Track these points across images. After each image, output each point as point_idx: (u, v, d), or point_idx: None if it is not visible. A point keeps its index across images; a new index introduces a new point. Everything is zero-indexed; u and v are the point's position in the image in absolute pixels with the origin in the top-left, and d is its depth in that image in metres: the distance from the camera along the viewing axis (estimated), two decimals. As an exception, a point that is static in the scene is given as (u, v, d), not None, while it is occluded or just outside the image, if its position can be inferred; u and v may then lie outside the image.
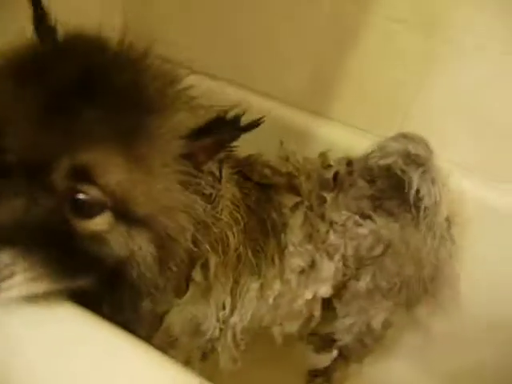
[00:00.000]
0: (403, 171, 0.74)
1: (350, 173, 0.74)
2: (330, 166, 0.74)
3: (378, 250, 0.73)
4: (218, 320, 0.60)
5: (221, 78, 1.05)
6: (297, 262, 0.67)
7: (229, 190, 0.59)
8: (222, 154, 0.50)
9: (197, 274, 0.56)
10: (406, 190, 0.73)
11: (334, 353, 0.95)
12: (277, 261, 0.65)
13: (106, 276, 0.45)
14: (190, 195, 0.46)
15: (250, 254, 0.61)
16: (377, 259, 0.74)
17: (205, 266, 0.56)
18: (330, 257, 0.71)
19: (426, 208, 0.73)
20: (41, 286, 0.40)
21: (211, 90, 0.96)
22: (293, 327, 0.76)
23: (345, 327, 0.81)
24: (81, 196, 0.41)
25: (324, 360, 1.00)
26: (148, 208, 0.43)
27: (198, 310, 0.58)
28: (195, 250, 0.52)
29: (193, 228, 0.47)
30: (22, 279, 0.38)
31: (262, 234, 0.63)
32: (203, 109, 0.48)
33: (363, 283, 0.75)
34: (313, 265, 0.70)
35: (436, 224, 0.75)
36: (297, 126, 0.99)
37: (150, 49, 0.47)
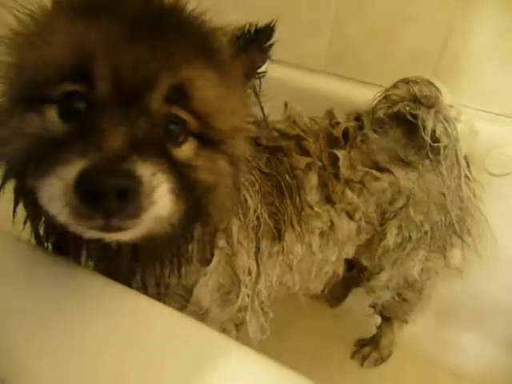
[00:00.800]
0: (414, 115, 0.72)
1: (360, 127, 0.74)
2: (338, 123, 0.74)
3: (400, 202, 0.73)
4: (245, 286, 0.60)
5: None
6: (315, 223, 0.67)
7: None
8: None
9: (220, 239, 0.56)
10: (420, 135, 0.72)
11: (377, 319, 0.97)
12: (295, 224, 0.65)
13: (192, 207, 0.44)
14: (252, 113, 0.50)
15: (267, 218, 0.61)
16: (400, 211, 0.74)
17: (226, 231, 0.57)
18: (350, 216, 0.71)
19: (445, 147, 0.72)
20: (173, 204, 0.40)
21: None
22: (318, 288, 0.77)
23: (382, 283, 0.82)
24: (172, 122, 0.42)
25: (369, 329, 1.02)
26: (228, 126, 0.45)
27: (225, 278, 0.59)
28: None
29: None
30: (167, 192, 0.38)
31: (278, 197, 0.63)
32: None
33: (390, 238, 0.75)
34: (332, 226, 0.70)
35: (456, 163, 0.73)
36: (319, 89, 0.99)
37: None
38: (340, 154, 0.69)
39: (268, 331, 0.66)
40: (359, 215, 0.71)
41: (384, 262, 0.79)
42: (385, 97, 0.76)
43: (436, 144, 0.72)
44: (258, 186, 0.60)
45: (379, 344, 1.00)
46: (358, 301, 1.01)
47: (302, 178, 0.66)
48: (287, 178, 0.65)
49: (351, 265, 0.96)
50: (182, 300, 0.57)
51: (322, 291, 0.82)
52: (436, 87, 0.73)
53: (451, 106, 0.73)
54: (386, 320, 0.95)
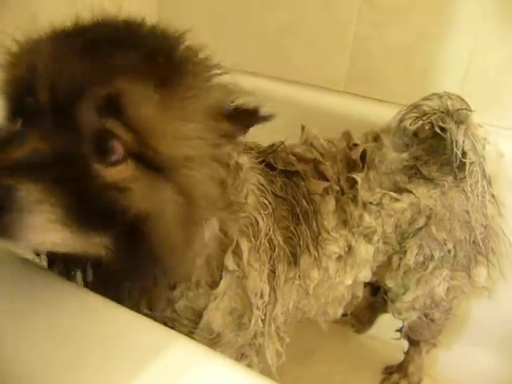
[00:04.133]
0: (443, 129, 0.75)
1: (379, 147, 0.76)
2: (355, 145, 0.76)
3: (421, 222, 0.75)
4: (258, 309, 0.60)
5: (258, 74, 1.11)
6: (332, 248, 0.69)
7: (253, 176, 0.61)
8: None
9: (229, 261, 0.56)
10: (446, 150, 0.74)
11: (405, 344, 0.97)
12: (311, 248, 0.66)
13: (125, 234, 0.42)
14: (219, 155, 0.46)
15: (281, 241, 0.62)
16: (420, 230, 0.75)
17: (236, 253, 0.57)
18: (368, 239, 0.73)
19: (471, 164, 0.74)
20: (59, 235, 0.38)
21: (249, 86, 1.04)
22: (337, 313, 0.78)
23: (408, 304, 0.82)
24: (106, 138, 0.40)
25: (397, 355, 1.02)
26: (175, 153, 0.42)
27: (237, 301, 0.59)
28: (223, 233, 0.54)
29: (218, 194, 0.47)
30: (41, 220, 0.37)
31: (293, 222, 0.65)
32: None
33: (411, 256, 0.76)
34: (350, 250, 0.71)
35: (481, 180, 0.76)
36: (338, 111, 1.01)
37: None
38: (358, 177, 0.71)
39: (283, 356, 0.66)
40: (377, 237, 0.73)
41: (407, 281, 0.80)
42: (415, 106, 0.79)
43: (463, 160, 0.74)
44: (271, 209, 0.61)
45: (408, 370, 0.99)
46: (384, 326, 1.02)
47: (319, 202, 0.68)
48: (304, 202, 0.66)
49: (376, 289, 0.99)
50: (191, 324, 0.57)
51: (345, 315, 0.84)
52: (467, 104, 0.76)
53: (480, 126, 0.76)
54: (414, 344, 0.96)
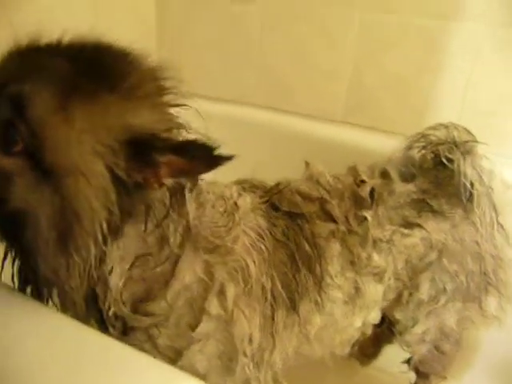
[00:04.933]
0: (450, 160, 0.75)
1: (387, 183, 0.75)
2: (363, 181, 0.74)
3: (433, 256, 0.74)
4: (245, 355, 0.59)
5: (257, 105, 1.13)
6: (335, 294, 0.68)
7: (252, 219, 0.62)
8: (183, 180, 0.50)
9: (211, 305, 0.56)
10: (452, 181, 0.74)
11: (412, 376, 0.95)
12: (313, 294, 0.65)
13: (6, 223, 0.47)
14: (107, 181, 0.46)
15: (280, 287, 0.61)
16: (432, 264, 0.74)
17: (222, 295, 0.56)
18: (378, 279, 0.71)
19: (479, 195, 0.74)
20: None
21: (246, 117, 1.07)
22: (345, 352, 0.77)
23: (417, 337, 0.81)
24: (10, 129, 0.44)
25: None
26: (62, 161, 0.44)
27: (225, 345, 0.59)
28: (209, 277, 0.54)
29: (104, 217, 0.46)
30: None
31: (292, 268, 0.64)
32: (175, 125, 0.50)
33: (424, 290, 0.75)
34: (357, 292, 0.70)
35: (489, 211, 0.76)
36: (336, 140, 1.03)
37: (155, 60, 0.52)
38: (368, 214, 0.70)
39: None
40: (388, 276, 0.72)
41: (418, 314, 0.79)
42: (422, 136, 0.79)
43: (471, 191, 0.74)
44: (266, 254, 0.60)
45: None
46: (390, 357, 1.01)
47: (324, 246, 0.67)
48: (306, 246, 0.65)
49: (381, 319, 0.98)
50: (172, 363, 0.56)
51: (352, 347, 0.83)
52: (473, 136, 0.77)
53: (486, 157, 0.77)
54: (423, 377, 0.94)
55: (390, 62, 1.01)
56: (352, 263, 0.69)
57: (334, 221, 0.69)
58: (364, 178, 0.75)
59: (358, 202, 0.72)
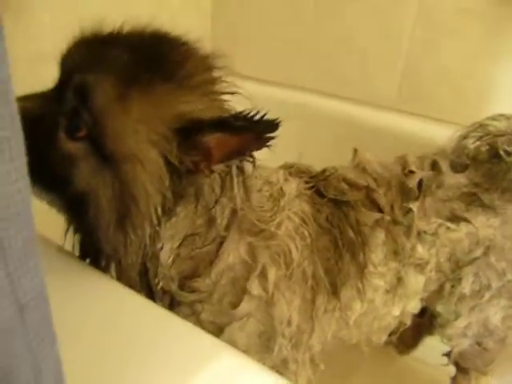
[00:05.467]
0: (508, 153, 0.73)
1: (437, 175, 0.74)
2: (411, 172, 0.73)
3: (479, 252, 0.72)
4: (283, 336, 0.61)
5: (309, 89, 1.12)
6: (378, 282, 0.68)
7: (297, 205, 0.63)
8: (240, 162, 0.52)
9: (253, 286, 0.58)
10: (507, 175, 0.72)
11: (452, 369, 0.93)
12: (355, 281, 0.66)
13: (70, 203, 0.50)
14: (162, 167, 0.48)
15: (322, 273, 0.62)
16: (477, 259, 0.73)
17: (263, 277, 0.58)
18: (420, 269, 0.71)
19: None
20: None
21: (298, 101, 1.07)
22: (381, 340, 0.77)
23: (459, 331, 0.81)
24: (75, 116, 0.48)
25: (442, 380, 1.00)
26: (120, 148, 0.47)
27: (265, 325, 0.60)
28: (252, 259, 0.56)
29: (158, 200, 0.49)
30: None
31: (336, 254, 0.64)
32: (225, 112, 0.52)
33: (466, 285, 0.74)
34: (399, 281, 0.70)
35: None
36: (388, 128, 1.01)
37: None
38: (414, 206, 0.69)
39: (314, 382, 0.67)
40: (430, 267, 0.71)
41: (461, 308, 0.78)
42: (480, 125, 0.77)
43: None
44: (309, 240, 0.61)
45: None
46: (430, 348, 1.00)
47: (369, 234, 0.67)
48: (351, 233, 0.66)
49: (422, 310, 0.97)
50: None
51: (390, 336, 0.83)
52: None
53: None
54: (463, 372, 0.92)
55: (448, 48, 0.98)
56: (395, 253, 0.69)
57: (380, 210, 0.69)
58: (413, 168, 0.73)
59: (405, 193, 0.71)
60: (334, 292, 0.65)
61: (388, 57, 1.05)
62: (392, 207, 0.70)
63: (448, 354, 0.90)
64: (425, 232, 0.70)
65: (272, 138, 0.47)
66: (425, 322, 0.99)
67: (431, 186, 0.72)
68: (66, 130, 0.49)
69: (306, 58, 1.15)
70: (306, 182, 0.68)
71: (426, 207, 0.71)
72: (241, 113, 0.48)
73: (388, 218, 0.69)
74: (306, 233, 0.62)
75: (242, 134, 0.47)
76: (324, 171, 0.71)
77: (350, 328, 0.70)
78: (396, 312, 0.73)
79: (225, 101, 0.54)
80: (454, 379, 0.96)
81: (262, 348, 0.62)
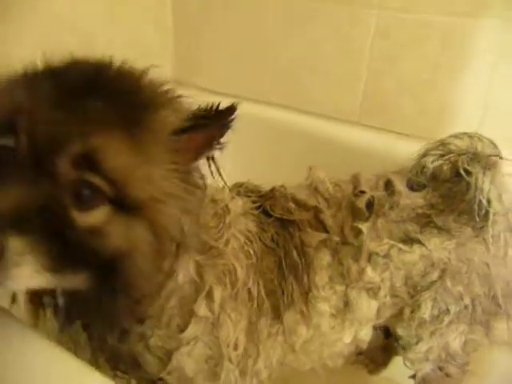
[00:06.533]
0: (468, 172, 0.71)
1: (390, 194, 0.72)
2: (362, 192, 0.71)
3: (435, 275, 0.70)
4: (230, 361, 0.59)
5: (274, 104, 1.12)
6: (322, 306, 0.66)
7: (242, 223, 0.62)
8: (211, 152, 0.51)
9: (200, 307, 0.57)
10: (466, 196, 0.70)
11: None
12: (299, 304, 0.64)
13: (101, 270, 0.46)
14: (187, 186, 0.48)
15: (263, 294, 0.61)
16: (434, 283, 0.71)
17: (209, 298, 0.57)
18: (373, 294, 0.68)
19: (495, 213, 0.69)
20: (42, 280, 0.42)
21: (262, 115, 1.06)
22: (337, 364, 0.75)
23: (420, 355, 0.78)
24: (83, 187, 0.43)
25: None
26: (145, 194, 0.45)
27: (212, 349, 0.59)
28: (199, 278, 0.55)
29: (189, 225, 0.49)
30: (29, 270, 0.40)
31: (279, 275, 0.63)
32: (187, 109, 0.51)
33: (426, 310, 0.72)
34: (347, 306, 0.68)
35: (505, 232, 0.71)
36: (352, 142, 0.99)
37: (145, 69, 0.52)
38: (364, 227, 0.67)
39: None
40: (384, 292, 0.69)
41: (421, 332, 0.76)
42: (442, 143, 0.75)
43: (487, 209, 0.69)
44: (254, 259, 0.60)
45: None
46: (400, 367, 0.98)
47: (313, 256, 0.65)
48: (295, 255, 0.64)
49: (389, 331, 0.95)
50: (162, 364, 0.58)
51: (358, 354, 0.80)
52: (498, 150, 0.72)
53: (510, 175, 0.71)
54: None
55: (408, 62, 0.96)
56: (342, 275, 0.67)
57: (327, 231, 0.67)
58: (364, 188, 0.72)
59: (355, 213, 0.69)
60: (277, 315, 0.63)
61: (349, 73, 1.04)
62: (342, 228, 0.68)
63: (413, 377, 0.88)
64: (376, 254, 0.68)
65: (233, 119, 0.48)
66: (392, 343, 0.97)
67: (384, 206, 0.70)
68: (76, 206, 0.43)
69: (269, 73, 1.15)
70: (254, 202, 0.67)
71: (378, 228, 0.69)
72: (198, 110, 0.48)
73: (337, 239, 0.67)
74: (251, 251, 0.61)
75: (208, 128, 0.48)
76: (273, 190, 0.70)
77: (297, 354, 0.68)
78: (347, 339, 0.71)
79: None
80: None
81: (210, 375, 0.61)
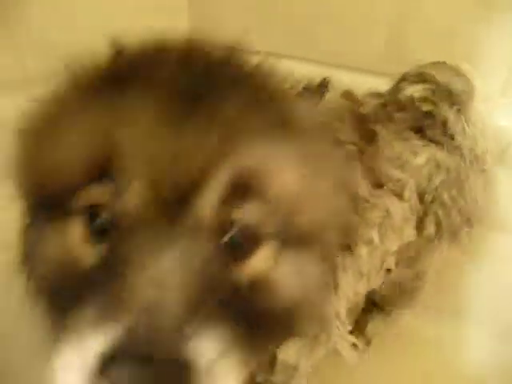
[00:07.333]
0: (435, 104, 0.72)
1: (384, 105, 0.71)
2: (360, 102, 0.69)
3: (439, 178, 0.70)
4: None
5: (293, 57, 1.02)
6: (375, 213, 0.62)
7: None
8: None
9: None
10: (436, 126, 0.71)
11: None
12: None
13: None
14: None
15: None
16: (436, 193, 0.70)
17: None
18: (400, 196, 0.65)
19: (459, 146, 0.72)
20: (244, 370, 0.31)
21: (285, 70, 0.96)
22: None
23: None
24: (236, 232, 0.32)
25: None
26: (316, 220, 0.35)
27: None
28: None
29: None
30: (231, 371, 0.29)
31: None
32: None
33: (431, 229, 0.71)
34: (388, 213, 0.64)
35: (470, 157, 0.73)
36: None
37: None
38: (376, 128, 0.65)
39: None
40: (408, 193, 0.66)
41: None
42: (417, 73, 0.76)
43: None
44: None
45: (365, 332, 0.88)
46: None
47: None
48: None
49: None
50: None
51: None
52: (471, 85, 0.74)
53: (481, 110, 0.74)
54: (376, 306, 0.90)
55: (436, 11, 0.94)
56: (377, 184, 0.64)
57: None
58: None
59: (361, 119, 0.66)
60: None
61: (372, 19, 1.01)
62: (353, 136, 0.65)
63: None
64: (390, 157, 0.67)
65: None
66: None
67: (383, 117, 0.70)
68: (232, 254, 0.32)
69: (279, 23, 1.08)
70: None
71: (384, 134, 0.67)
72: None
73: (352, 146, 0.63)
74: None
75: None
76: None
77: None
78: (393, 246, 0.66)
79: None
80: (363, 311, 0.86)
81: None
